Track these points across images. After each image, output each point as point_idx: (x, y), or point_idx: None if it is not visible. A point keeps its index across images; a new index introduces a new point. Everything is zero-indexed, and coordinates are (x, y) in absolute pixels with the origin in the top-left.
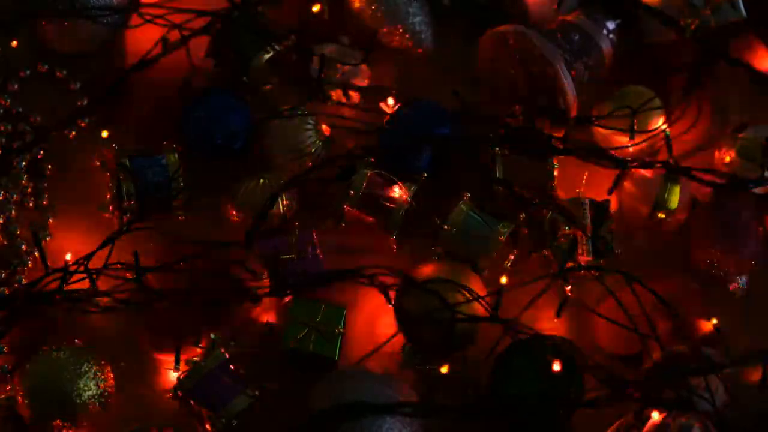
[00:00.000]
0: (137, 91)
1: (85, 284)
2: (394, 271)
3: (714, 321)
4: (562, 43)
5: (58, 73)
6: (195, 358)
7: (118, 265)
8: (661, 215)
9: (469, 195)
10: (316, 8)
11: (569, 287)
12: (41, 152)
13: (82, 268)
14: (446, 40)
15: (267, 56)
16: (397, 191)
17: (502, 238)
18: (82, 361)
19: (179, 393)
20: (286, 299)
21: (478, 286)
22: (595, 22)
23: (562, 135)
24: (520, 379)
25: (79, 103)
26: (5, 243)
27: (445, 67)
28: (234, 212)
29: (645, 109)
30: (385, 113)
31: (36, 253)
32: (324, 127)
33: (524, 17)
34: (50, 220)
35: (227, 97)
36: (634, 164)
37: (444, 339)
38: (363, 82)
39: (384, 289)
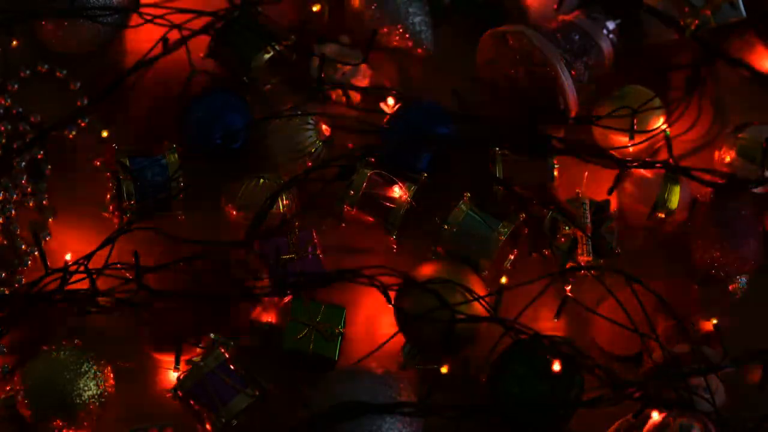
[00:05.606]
0: (137, 91)
1: (85, 284)
2: (394, 271)
3: (714, 321)
4: (562, 43)
5: (58, 73)
6: (195, 358)
7: (118, 265)
8: (661, 215)
9: (469, 195)
10: (316, 8)
11: (569, 287)
12: (41, 152)
13: (82, 268)
14: (446, 40)
15: (267, 56)
16: (397, 191)
17: (502, 238)
18: (82, 361)
19: (179, 393)
20: (286, 299)
21: (478, 286)
22: (595, 22)
23: (562, 135)
24: (520, 379)
25: (79, 103)
26: (5, 243)
27: (445, 67)
28: (234, 212)
29: (645, 109)
30: (385, 113)
31: (36, 253)
32: (324, 127)
33: (524, 17)
34: (50, 220)
35: (227, 97)
36: (634, 164)
37: (444, 339)
38: (363, 82)
39: (384, 289)
